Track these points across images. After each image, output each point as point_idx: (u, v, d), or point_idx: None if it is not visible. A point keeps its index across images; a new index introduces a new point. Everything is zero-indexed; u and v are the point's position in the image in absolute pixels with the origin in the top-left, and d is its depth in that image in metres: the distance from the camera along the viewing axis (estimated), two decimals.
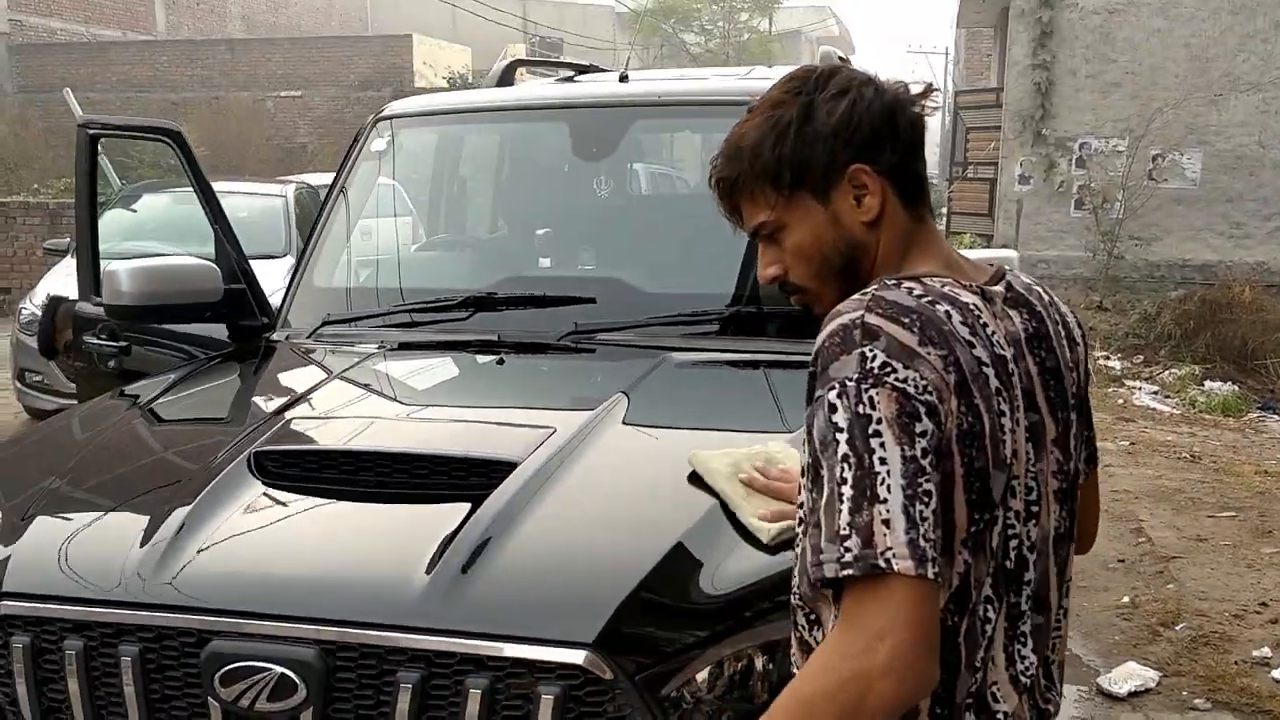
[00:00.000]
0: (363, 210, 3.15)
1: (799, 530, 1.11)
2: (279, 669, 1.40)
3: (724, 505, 1.58)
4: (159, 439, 2.13)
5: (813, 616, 1.14)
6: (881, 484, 1.00)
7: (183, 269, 2.99)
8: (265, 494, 1.70)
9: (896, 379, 1.04)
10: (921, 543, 0.98)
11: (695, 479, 1.66)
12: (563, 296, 2.57)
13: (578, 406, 2.05)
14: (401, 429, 2.04)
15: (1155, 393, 8.89)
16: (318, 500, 1.69)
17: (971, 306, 1.12)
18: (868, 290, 1.13)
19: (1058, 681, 1.24)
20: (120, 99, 22.56)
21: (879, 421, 1.02)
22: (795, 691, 1.02)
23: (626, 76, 3.18)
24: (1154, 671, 3.64)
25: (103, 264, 3.60)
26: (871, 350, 1.05)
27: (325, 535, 1.63)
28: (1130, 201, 13.16)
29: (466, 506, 1.58)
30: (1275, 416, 8.00)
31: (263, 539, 1.62)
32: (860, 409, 1.03)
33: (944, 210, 17.43)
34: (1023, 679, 1.14)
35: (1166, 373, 9.95)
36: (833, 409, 1.04)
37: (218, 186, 8.63)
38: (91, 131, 3.48)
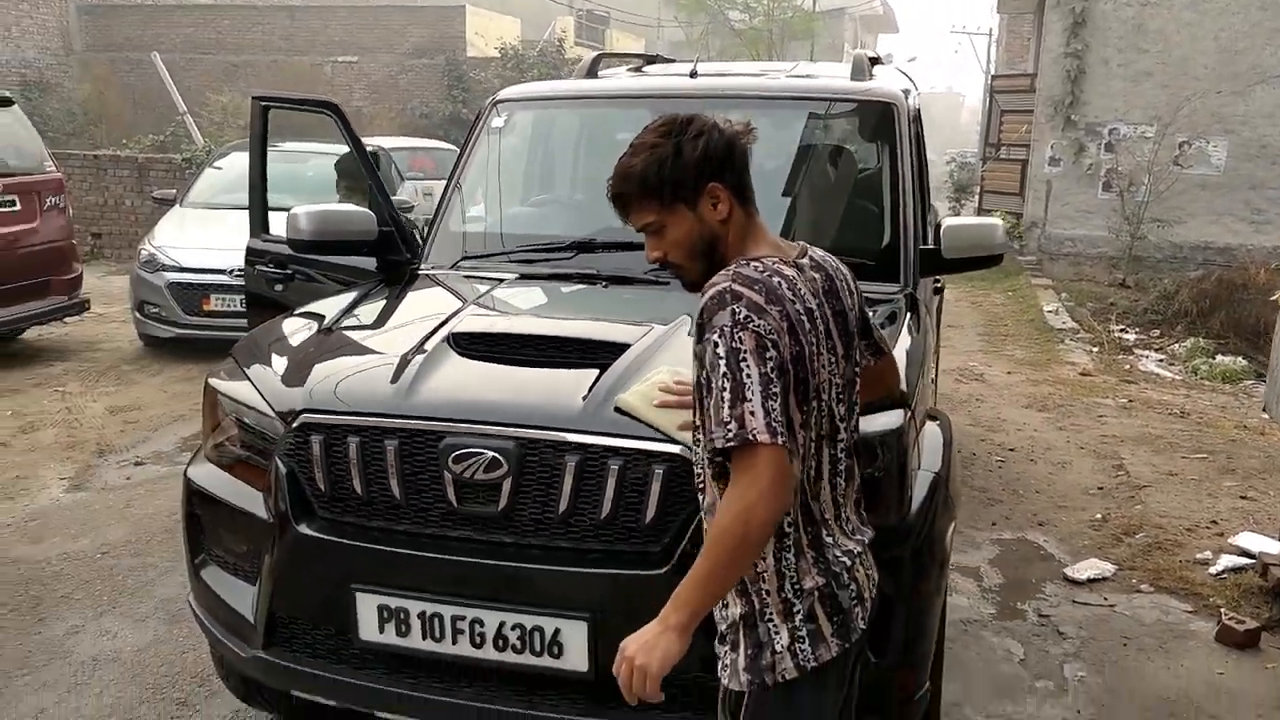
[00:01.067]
0: (484, 175, 3.96)
1: (695, 429, 1.79)
2: (490, 453, 2.23)
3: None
4: (376, 325, 2.98)
5: (701, 487, 1.86)
6: (748, 390, 1.64)
7: (347, 213, 3.81)
8: (463, 360, 2.54)
9: (754, 325, 1.67)
10: (773, 424, 1.63)
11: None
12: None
13: (660, 320, 2.84)
14: (544, 324, 2.87)
15: (1161, 360, 9.56)
16: (500, 363, 2.54)
17: (791, 277, 1.78)
18: (730, 268, 1.76)
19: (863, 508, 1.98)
20: (184, 59, 23.45)
21: (745, 352, 1.65)
22: (713, 529, 1.74)
23: (696, 72, 3.98)
24: (1111, 565, 4.44)
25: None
26: (738, 307, 1.68)
27: (512, 378, 2.46)
28: (1156, 185, 13.75)
29: (598, 369, 2.41)
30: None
31: (472, 380, 2.45)
32: (734, 344, 1.66)
33: (977, 189, 18.05)
34: (838, 497, 1.85)
35: (1178, 345, 10.59)
36: (717, 345, 1.67)
37: (301, 147, 9.38)
38: (263, 104, 4.34)
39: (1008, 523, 4.99)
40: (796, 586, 1.79)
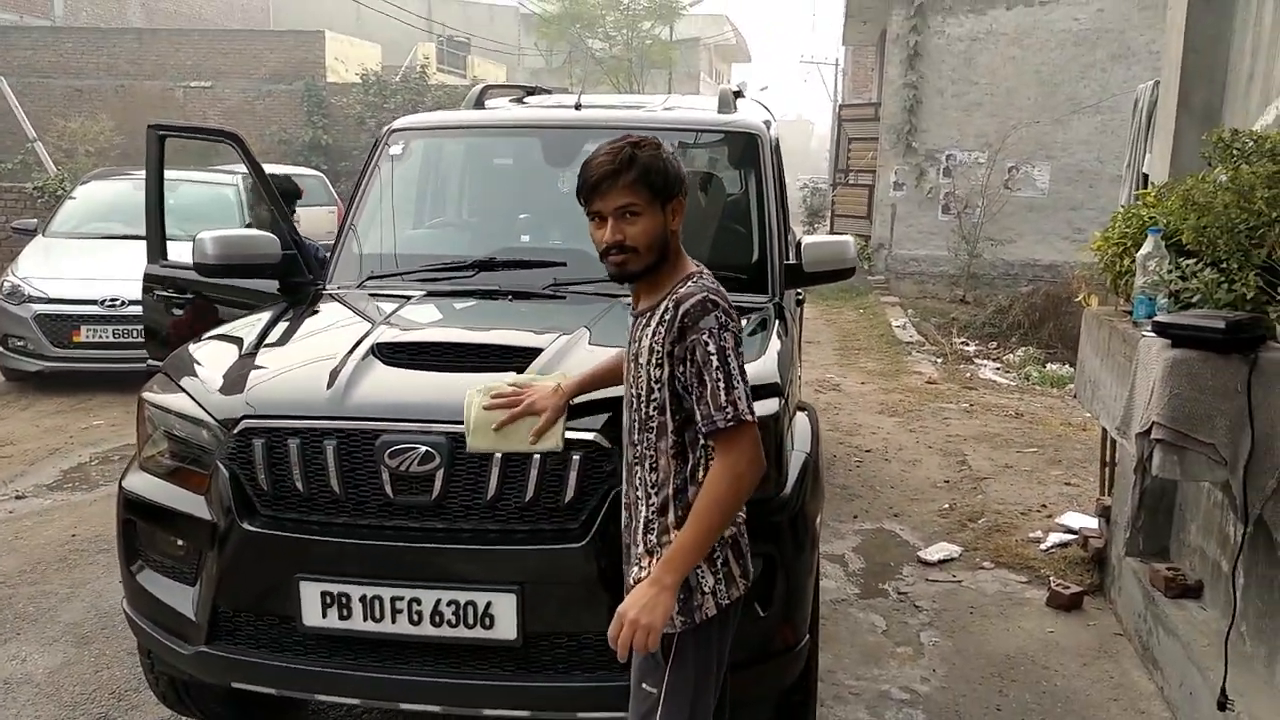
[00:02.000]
0: (383, 200, 4.20)
1: (646, 415, 2.12)
2: (424, 448, 2.49)
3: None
4: (298, 340, 3.19)
5: (651, 462, 2.14)
6: (734, 379, 2.01)
7: (251, 238, 3.98)
8: (389, 367, 2.80)
9: (733, 326, 2.05)
10: (751, 405, 2.03)
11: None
12: (543, 261, 3.71)
13: (562, 329, 3.14)
14: (458, 334, 3.15)
15: (997, 369, 10.41)
16: (424, 369, 2.82)
17: None
18: (696, 281, 2.09)
19: None
20: (23, 84, 22.38)
21: (729, 349, 2.02)
22: (706, 496, 2.08)
23: (580, 105, 4.33)
24: (958, 547, 4.98)
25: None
26: (719, 313, 2.04)
27: (439, 381, 2.73)
28: (989, 208, 14.89)
29: (515, 371, 2.71)
30: None
31: (403, 384, 2.71)
32: (721, 343, 2.02)
33: (828, 213, 19.03)
34: None
35: (1012, 355, 11.53)
36: (707, 345, 2.02)
37: (170, 175, 9.35)
38: (160, 133, 4.47)
39: (867, 515, 5.49)
40: (719, 537, 2.14)
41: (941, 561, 4.83)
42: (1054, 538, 5.01)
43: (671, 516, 2.14)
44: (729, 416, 2.02)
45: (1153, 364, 2.85)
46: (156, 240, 4.50)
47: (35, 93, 22.28)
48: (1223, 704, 2.95)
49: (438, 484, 2.53)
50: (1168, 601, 3.74)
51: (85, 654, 3.83)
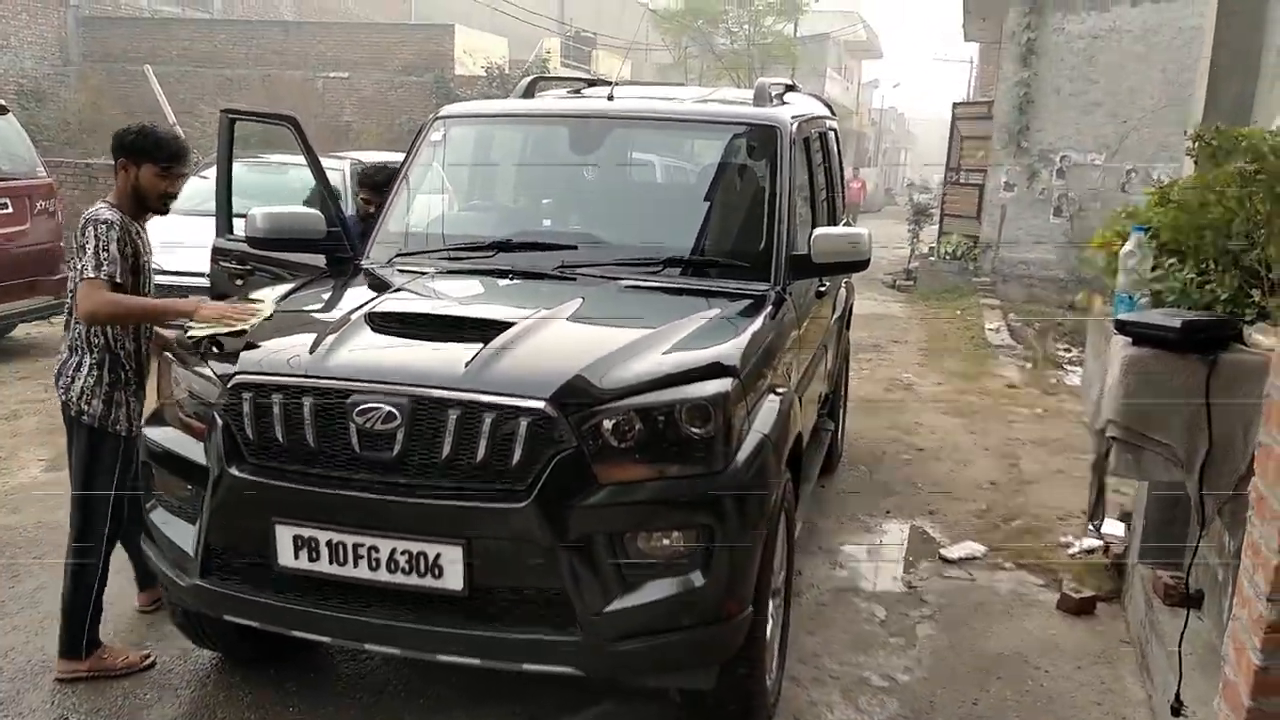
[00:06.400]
0: (423, 182, 4.47)
1: None
2: (387, 407, 2.71)
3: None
4: (310, 306, 3.48)
5: None
6: None
7: (299, 214, 4.28)
8: (373, 333, 3.04)
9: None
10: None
11: None
12: (556, 244, 3.91)
13: (548, 306, 3.31)
14: (449, 306, 3.38)
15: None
16: (404, 336, 3.04)
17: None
18: None
19: None
20: (179, 72, 23.90)
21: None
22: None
23: (613, 96, 4.50)
24: (983, 547, 4.95)
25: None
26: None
27: (410, 348, 2.96)
28: (1104, 212, 14.34)
29: (482, 342, 2.90)
30: None
31: (377, 348, 2.95)
32: None
33: (935, 212, 18.65)
34: None
35: None
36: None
37: (287, 160, 9.83)
38: (230, 116, 4.84)
39: (901, 511, 5.49)
40: None
41: (962, 559, 4.82)
42: (1086, 543, 4.93)
43: None
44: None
45: (1114, 362, 2.84)
46: (225, 215, 4.89)
47: (190, 81, 23.73)
48: (1176, 709, 2.92)
49: (399, 442, 2.74)
50: (1165, 609, 3.68)
51: (133, 590, 4.21)
